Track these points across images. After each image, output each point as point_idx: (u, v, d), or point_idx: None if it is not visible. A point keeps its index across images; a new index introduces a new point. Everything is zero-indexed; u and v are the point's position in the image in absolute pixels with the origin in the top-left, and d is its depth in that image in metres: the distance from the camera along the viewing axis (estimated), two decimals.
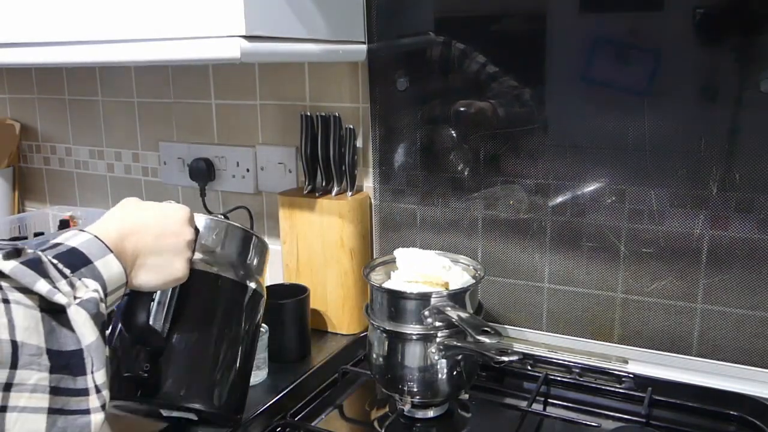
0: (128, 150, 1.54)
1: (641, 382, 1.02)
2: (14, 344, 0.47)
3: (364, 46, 1.14)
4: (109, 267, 0.58)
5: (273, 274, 1.39)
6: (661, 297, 1.03)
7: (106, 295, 0.57)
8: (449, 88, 1.12)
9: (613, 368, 1.05)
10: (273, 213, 1.34)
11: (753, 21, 0.90)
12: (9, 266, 0.50)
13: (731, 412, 0.96)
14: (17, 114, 1.70)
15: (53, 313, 0.51)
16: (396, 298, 0.94)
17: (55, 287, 0.52)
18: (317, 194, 1.21)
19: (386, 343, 0.96)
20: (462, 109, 1.12)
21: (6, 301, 0.49)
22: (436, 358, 0.92)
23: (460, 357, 0.93)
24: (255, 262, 0.76)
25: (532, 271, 1.12)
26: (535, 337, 1.14)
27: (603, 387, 1.03)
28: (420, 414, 0.97)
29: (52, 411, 0.49)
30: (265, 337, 1.05)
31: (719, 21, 0.92)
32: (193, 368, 0.68)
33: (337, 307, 1.22)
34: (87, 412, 0.51)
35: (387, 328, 0.94)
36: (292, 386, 1.01)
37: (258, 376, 1.05)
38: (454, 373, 0.94)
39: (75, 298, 0.53)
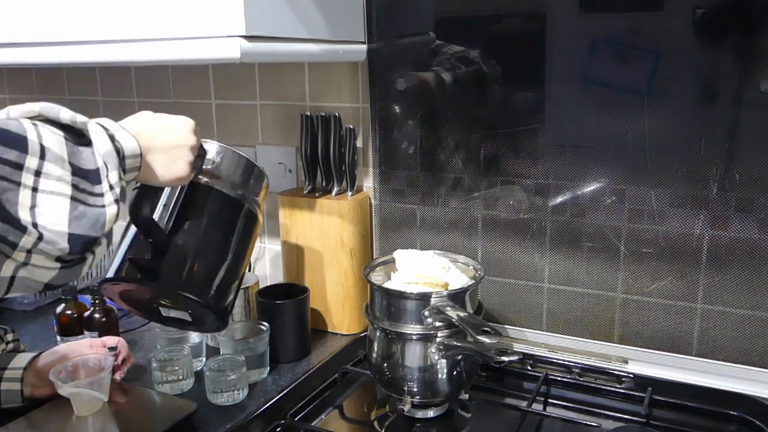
0: None
1: (641, 382, 1.02)
2: (42, 146, 0.57)
3: (364, 46, 1.14)
4: (125, 138, 0.66)
5: (273, 274, 1.39)
6: (661, 297, 1.03)
7: (123, 158, 0.65)
8: (449, 88, 1.13)
9: (613, 368, 1.05)
10: (273, 213, 1.34)
11: (753, 21, 0.90)
12: (38, 105, 0.61)
13: (731, 412, 0.96)
14: None
15: (75, 140, 0.61)
16: (396, 298, 0.94)
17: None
18: (317, 194, 1.21)
19: (386, 343, 0.96)
20: (461, 107, 1.12)
21: (35, 125, 0.58)
22: (436, 358, 0.92)
23: (460, 357, 0.93)
24: (253, 187, 0.87)
25: (532, 271, 1.12)
26: (535, 337, 1.14)
27: (603, 387, 1.03)
28: (420, 414, 0.97)
29: (73, 199, 0.58)
30: (265, 336, 1.05)
31: (719, 21, 0.92)
32: (190, 264, 0.78)
33: (337, 307, 1.22)
34: (103, 206, 0.60)
35: (387, 328, 0.94)
36: (292, 386, 1.01)
37: (258, 375, 1.05)
38: (454, 373, 0.94)
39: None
